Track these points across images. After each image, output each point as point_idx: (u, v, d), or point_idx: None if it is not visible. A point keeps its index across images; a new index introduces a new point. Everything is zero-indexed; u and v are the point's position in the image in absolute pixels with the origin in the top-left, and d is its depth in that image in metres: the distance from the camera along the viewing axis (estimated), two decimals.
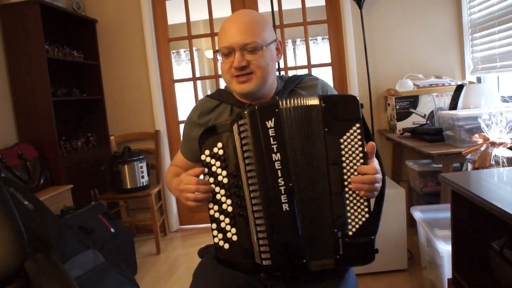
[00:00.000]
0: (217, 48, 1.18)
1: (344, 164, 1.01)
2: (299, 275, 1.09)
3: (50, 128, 2.71)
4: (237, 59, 1.12)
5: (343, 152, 1.01)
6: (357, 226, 1.02)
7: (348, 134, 1.01)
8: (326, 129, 1.01)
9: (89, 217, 2.39)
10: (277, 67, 3.12)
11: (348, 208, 1.02)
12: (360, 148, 1.01)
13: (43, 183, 2.61)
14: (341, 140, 1.01)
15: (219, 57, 1.18)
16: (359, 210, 1.02)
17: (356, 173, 1.01)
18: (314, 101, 1.03)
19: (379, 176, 1.03)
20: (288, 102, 1.03)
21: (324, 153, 1.02)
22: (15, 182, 2.11)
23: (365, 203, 1.02)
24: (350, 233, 1.02)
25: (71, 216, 2.29)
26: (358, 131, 1.01)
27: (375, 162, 1.05)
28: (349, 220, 1.02)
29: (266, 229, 1.02)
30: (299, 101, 1.03)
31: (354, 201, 1.02)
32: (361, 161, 1.01)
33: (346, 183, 1.02)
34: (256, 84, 1.15)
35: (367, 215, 1.02)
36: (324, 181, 1.02)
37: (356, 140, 1.01)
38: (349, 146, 1.01)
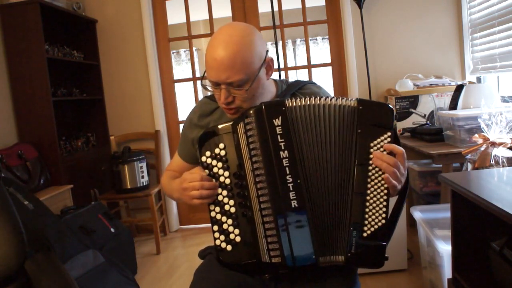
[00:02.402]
0: (205, 74, 1.13)
1: (370, 168, 1.02)
2: (305, 273, 1.09)
3: (50, 128, 2.71)
4: (223, 96, 1.08)
5: (370, 156, 1.02)
6: (372, 229, 1.02)
7: (379, 140, 1.02)
8: (359, 131, 1.02)
9: (89, 217, 2.39)
10: (276, 67, 3.14)
11: (367, 210, 1.02)
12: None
13: (43, 183, 2.61)
14: (371, 144, 1.02)
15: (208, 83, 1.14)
16: (377, 214, 1.02)
17: (380, 178, 1.02)
18: (351, 103, 1.04)
19: (401, 166, 1.02)
20: (297, 101, 1.04)
21: (352, 152, 1.03)
22: (15, 182, 2.11)
23: (384, 209, 1.03)
24: (365, 234, 1.02)
25: (71, 216, 2.29)
26: (389, 139, 1.02)
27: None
28: (366, 222, 1.02)
29: (275, 226, 1.02)
30: (314, 100, 1.04)
31: (374, 205, 1.03)
32: None
33: (369, 185, 1.02)
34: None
35: (383, 221, 1.02)
36: (348, 179, 1.03)
37: None
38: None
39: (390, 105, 1.06)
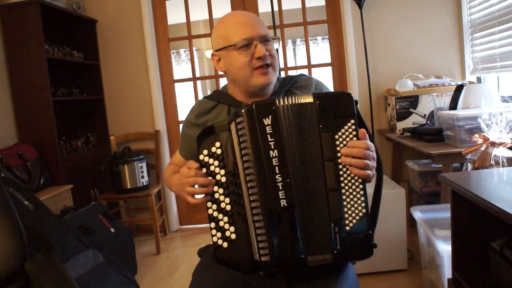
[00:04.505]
0: (227, 45, 1.17)
1: (339, 160, 1.02)
2: (298, 271, 1.09)
3: (50, 128, 2.71)
4: (262, 49, 1.14)
5: (338, 148, 1.02)
6: (354, 221, 1.02)
7: (343, 130, 1.02)
8: (320, 126, 1.02)
9: (89, 217, 2.39)
10: None
11: (345, 203, 1.02)
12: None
13: (43, 183, 2.61)
14: (336, 137, 1.02)
15: (231, 53, 1.17)
16: (356, 205, 1.02)
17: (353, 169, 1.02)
18: (309, 99, 1.04)
19: (371, 153, 1.03)
20: (285, 100, 1.04)
21: (319, 149, 1.02)
22: (15, 182, 2.12)
23: (362, 198, 1.03)
24: (348, 228, 1.02)
25: (71, 216, 2.29)
26: (353, 127, 1.02)
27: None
28: (346, 215, 1.02)
29: (264, 225, 1.02)
30: (295, 99, 1.04)
31: (351, 196, 1.03)
32: None
33: (342, 178, 1.02)
34: (274, 76, 1.20)
35: (364, 210, 1.03)
36: (320, 177, 1.03)
37: (351, 136, 1.02)
38: (344, 142, 1.02)
39: (347, 92, 1.06)
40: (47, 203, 2.18)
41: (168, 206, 3.47)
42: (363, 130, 1.04)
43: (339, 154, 1.02)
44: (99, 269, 2.01)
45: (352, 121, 1.02)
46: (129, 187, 2.99)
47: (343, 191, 1.02)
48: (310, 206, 1.03)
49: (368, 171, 1.02)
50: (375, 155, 1.06)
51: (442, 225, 1.84)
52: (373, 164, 1.05)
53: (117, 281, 2.03)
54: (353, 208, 1.02)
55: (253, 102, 1.05)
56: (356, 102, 1.05)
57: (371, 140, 1.08)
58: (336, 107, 1.03)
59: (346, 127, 1.02)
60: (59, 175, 2.72)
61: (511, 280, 1.10)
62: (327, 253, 1.04)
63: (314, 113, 1.03)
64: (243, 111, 1.04)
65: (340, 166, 1.02)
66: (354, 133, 1.02)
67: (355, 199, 1.03)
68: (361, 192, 1.03)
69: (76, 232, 2.16)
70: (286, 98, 1.04)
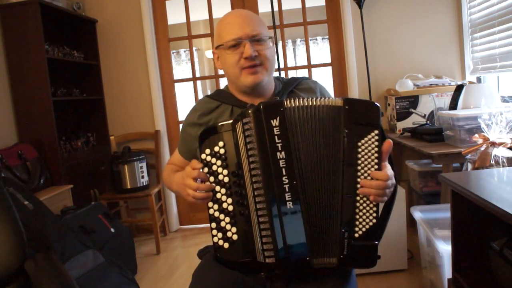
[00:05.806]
0: (219, 44, 1.20)
1: (359, 168, 1.02)
2: (301, 273, 1.09)
3: (50, 128, 2.71)
4: (249, 49, 1.15)
5: (359, 156, 1.02)
6: (364, 229, 1.02)
7: (366, 139, 1.02)
8: (346, 131, 1.02)
9: (89, 217, 2.39)
10: (276, 67, 3.14)
11: (357, 210, 1.02)
12: (376, 155, 1.01)
13: (43, 183, 2.61)
14: (359, 144, 1.02)
15: (223, 51, 1.20)
16: (367, 214, 1.02)
17: (369, 177, 1.01)
18: (337, 103, 1.03)
19: (390, 182, 1.03)
20: (296, 102, 1.03)
21: (341, 153, 1.02)
22: (15, 182, 2.11)
23: (374, 208, 1.02)
24: (357, 235, 1.02)
25: (71, 216, 2.29)
26: (376, 137, 1.02)
27: (388, 168, 1.04)
28: (357, 222, 1.02)
29: (270, 226, 1.02)
30: (311, 101, 1.04)
31: (364, 204, 1.02)
32: (376, 166, 1.02)
33: (358, 185, 1.02)
34: (264, 76, 1.19)
35: (374, 220, 1.02)
36: (337, 181, 1.02)
37: (373, 146, 1.02)
38: (366, 151, 1.02)
39: (376, 103, 1.05)
40: (47, 203, 2.18)
41: (168, 206, 3.47)
42: (389, 141, 1.02)
43: (359, 161, 1.01)
44: (99, 269, 2.01)
45: (376, 131, 1.02)
46: (129, 187, 2.99)
47: (358, 198, 1.02)
48: (320, 209, 1.03)
49: (384, 198, 1.03)
50: (393, 182, 1.05)
51: (442, 225, 1.84)
52: (391, 190, 1.05)
53: (117, 281, 2.03)
54: (364, 217, 1.02)
55: (260, 103, 1.04)
56: (382, 113, 1.05)
57: (390, 157, 1.07)
58: (363, 115, 1.02)
59: (369, 136, 1.01)
60: (59, 175, 2.72)
61: (511, 280, 1.10)
62: (333, 257, 1.03)
63: (340, 117, 1.02)
64: (250, 111, 1.03)
65: (359, 174, 1.02)
66: (376, 143, 1.01)
67: (367, 207, 1.02)
68: (374, 202, 1.03)
69: (76, 232, 2.16)
70: (296, 100, 1.03)
